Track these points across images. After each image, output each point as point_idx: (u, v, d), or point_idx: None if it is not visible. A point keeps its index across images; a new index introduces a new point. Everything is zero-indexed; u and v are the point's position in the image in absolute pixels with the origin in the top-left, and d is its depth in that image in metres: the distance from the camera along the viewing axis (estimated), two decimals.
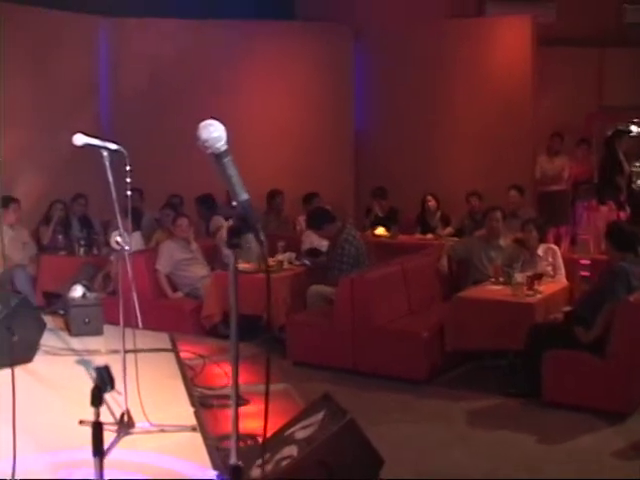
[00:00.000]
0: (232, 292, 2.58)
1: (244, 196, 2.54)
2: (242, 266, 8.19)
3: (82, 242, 9.46)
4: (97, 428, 3.07)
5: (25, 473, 4.30)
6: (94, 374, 3.15)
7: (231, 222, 2.59)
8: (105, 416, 5.06)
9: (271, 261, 7.95)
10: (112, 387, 3.20)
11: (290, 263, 8.34)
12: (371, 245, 8.84)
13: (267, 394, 2.67)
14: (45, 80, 10.41)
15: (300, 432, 4.47)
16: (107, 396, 5.66)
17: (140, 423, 5.07)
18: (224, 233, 8.89)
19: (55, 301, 8.79)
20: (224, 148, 2.53)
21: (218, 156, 2.53)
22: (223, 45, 11.24)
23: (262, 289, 6.88)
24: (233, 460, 2.58)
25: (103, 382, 3.11)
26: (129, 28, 11.15)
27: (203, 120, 2.55)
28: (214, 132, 2.53)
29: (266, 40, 11.36)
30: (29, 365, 6.56)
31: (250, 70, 11.37)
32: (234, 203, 2.54)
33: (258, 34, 11.32)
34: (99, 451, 3.07)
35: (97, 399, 3.07)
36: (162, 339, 7.44)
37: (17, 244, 9.35)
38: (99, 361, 6.62)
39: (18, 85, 10.00)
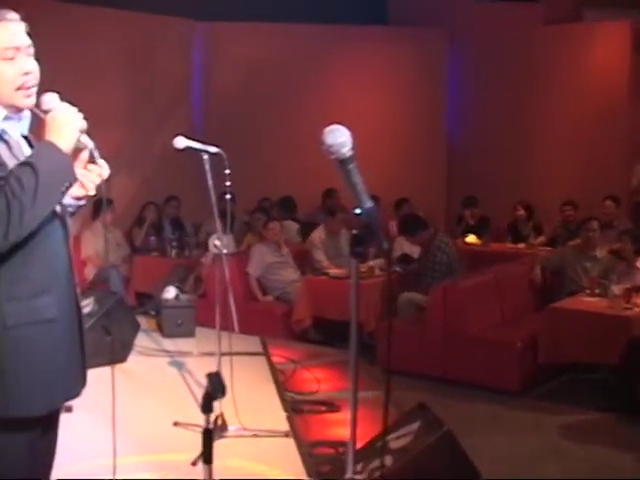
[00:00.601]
0: (353, 302, 2.53)
1: (368, 203, 2.46)
2: (333, 271, 8.19)
3: (174, 244, 9.56)
4: (207, 435, 3.05)
5: (120, 473, 4.33)
6: (207, 378, 3.12)
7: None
8: (199, 418, 5.11)
9: (361, 267, 7.90)
10: (223, 394, 3.17)
11: (381, 269, 8.27)
12: (462, 253, 8.72)
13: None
14: (139, 83, 10.57)
15: (394, 442, 4.41)
16: (199, 398, 5.75)
17: (233, 427, 5.07)
18: (316, 237, 8.90)
19: (147, 301, 8.91)
20: (349, 154, 2.46)
21: (343, 162, 2.46)
22: (316, 49, 11.25)
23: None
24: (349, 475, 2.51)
25: (214, 389, 3.09)
26: (223, 32, 11.24)
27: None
28: (340, 137, 2.45)
29: (360, 44, 11.33)
30: (123, 365, 6.66)
31: (343, 75, 11.37)
32: (358, 211, 2.46)
33: (352, 38, 11.31)
34: (209, 459, 3.06)
35: (208, 406, 3.05)
36: (253, 342, 7.47)
37: (111, 245, 9.50)
38: (191, 363, 6.73)
39: (113, 87, 10.20)
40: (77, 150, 2.67)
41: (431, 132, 11.71)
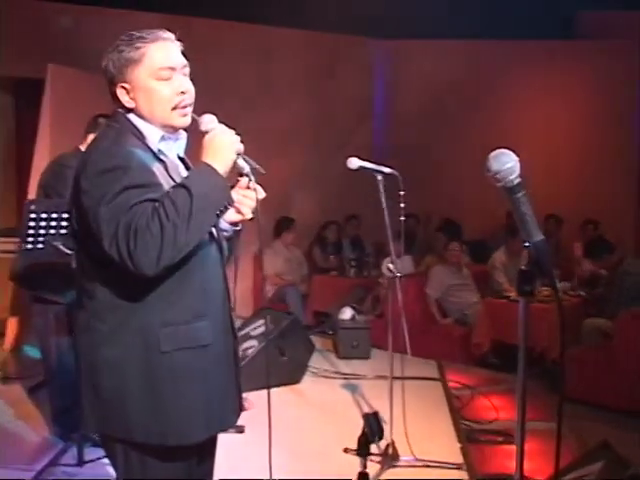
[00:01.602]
0: (521, 342, 2.34)
1: (538, 236, 2.27)
2: (514, 294, 7.90)
3: (353, 263, 9.56)
4: (363, 479, 2.93)
5: None
6: (364, 419, 3.00)
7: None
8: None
9: (544, 290, 7.60)
10: (380, 437, 3.04)
11: (565, 293, 7.93)
12: None
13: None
14: (322, 103, 10.64)
15: None
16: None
17: (405, 456, 4.92)
18: (497, 259, 8.65)
19: (324, 320, 8.92)
20: (517, 181, 2.25)
21: (510, 190, 2.25)
22: (501, 65, 10.97)
23: (536, 320, 6.55)
24: None
25: (371, 431, 2.97)
26: (405, 50, 11.16)
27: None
28: (507, 163, 2.26)
29: (545, 60, 10.92)
30: (297, 386, 6.64)
31: (529, 91, 11.00)
32: (526, 244, 2.28)
33: (536, 54, 10.92)
34: None
35: (364, 448, 2.94)
36: (429, 366, 7.29)
37: (292, 264, 9.60)
38: (365, 386, 6.63)
39: (296, 108, 10.31)
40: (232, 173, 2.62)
41: (620, 149, 11.11)
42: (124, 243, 2.33)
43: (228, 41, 9.49)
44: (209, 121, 2.61)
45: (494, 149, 2.32)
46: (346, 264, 9.69)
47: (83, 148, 5.09)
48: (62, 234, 4.45)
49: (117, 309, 2.51)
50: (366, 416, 4.30)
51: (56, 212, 4.45)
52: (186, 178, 2.49)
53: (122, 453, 2.60)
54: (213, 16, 9.21)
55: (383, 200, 4.87)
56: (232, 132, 2.59)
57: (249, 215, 2.76)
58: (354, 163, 4.94)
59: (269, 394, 2.77)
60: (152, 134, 2.61)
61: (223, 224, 2.78)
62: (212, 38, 9.25)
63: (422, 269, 9.26)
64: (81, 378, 2.62)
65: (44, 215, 4.43)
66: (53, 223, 4.45)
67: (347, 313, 7.82)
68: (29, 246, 4.47)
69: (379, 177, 4.92)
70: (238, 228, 2.85)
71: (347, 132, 10.75)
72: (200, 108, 2.76)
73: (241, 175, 2.68)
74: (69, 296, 4.85)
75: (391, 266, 5.01)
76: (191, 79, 2.68)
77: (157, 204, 2.36)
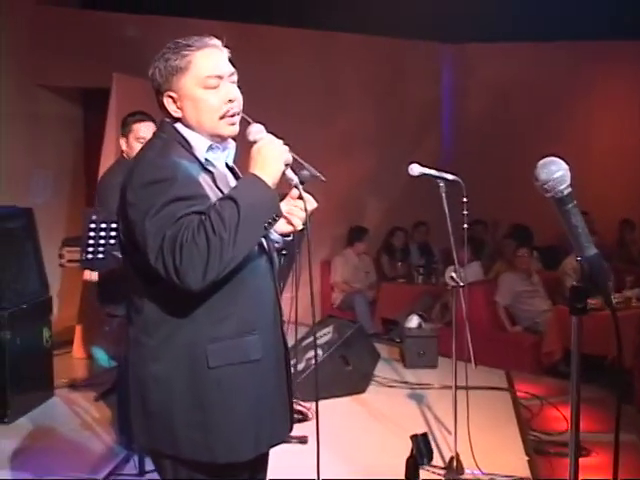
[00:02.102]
0: (574, 364, 2.23)
1: (591, 251, 2.13)
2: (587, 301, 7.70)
3: (421, 270, 9.46)
4: None
5: None
6: (412, 440, 2.90)
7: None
8: (434, 457, 4.89)
9: (617, 297, 7.41)
10: (429, 460, 2.93)
11: (639, 300, 7.70)
12: None
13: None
14: (388, 108, 10.55)
15: None
16: (437, 434, 5.53)
17: (469, 470, 4.80)
18: (568, 265, 8.45)
19: (392, 328, 8.82)
20: (567, 192, 2.10)
21: (560, 201, 2.11)
22: (574, 68, 10.70)
23: (607, 328, 6.34)
24: None
25: (420, 453, 2.86)
26: (472, 54, 11.02)
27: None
28: (556, 172, 2.10)
29: (623, 62, 10.64)
30: (362, 395, 6.55)
31: (598, 93, 10.73)
32: (578, 258, 2.14)
33: (613, 55, 10.64)
34: None
35: (413, 472, 2.83)
36: (497, 376, 7.12)
37: (360, 273, 9.57)
38: (431, 396, 6.51)
39: (362, 114, 10.25)
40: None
41: None
42: (170, 257, 2.29)
43: (294, 48, 9.47)
44: (257, 131, 2.55)
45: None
46: (414, 271, 9.60)
47: (125, 154, 5.11)
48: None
49: (164, 324, 2.47)
50: (414, 437, 4.17)
51: (116, 221, 4.44)
52: (233, 190, 2.43)
53: (171, 469, 2.56)
54: (279, 23, 9.21)
55: (445, 207, 4.77)
56: (280, 142, 2.51)
57: (300, 226, 2.68)
58: (415, 170, 4.86)
59: (317, 405, 2.70)
60: (199, 144, 2.56)
61: (274, 235, 2.72)
62: (278, 45, 9.25)
63: (491, 276, 9.11)
64: (130, 393, 2.60)
65: (104, 225, 4.43)
66: (113, 233, 4.45)
67: (414, 321, 7.71)
68: (89, 255, 4.48)
69: (441, 184, 4.82)
70: (289, 239, 2.78)
71: (415, 138, 10.64)
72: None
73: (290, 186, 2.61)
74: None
75: (454, 275, 4.90)
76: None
77: (204, 217, 2.31)
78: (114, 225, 4.45)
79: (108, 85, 7.59)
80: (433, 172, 4.83)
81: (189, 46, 2.53)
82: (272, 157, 2.45)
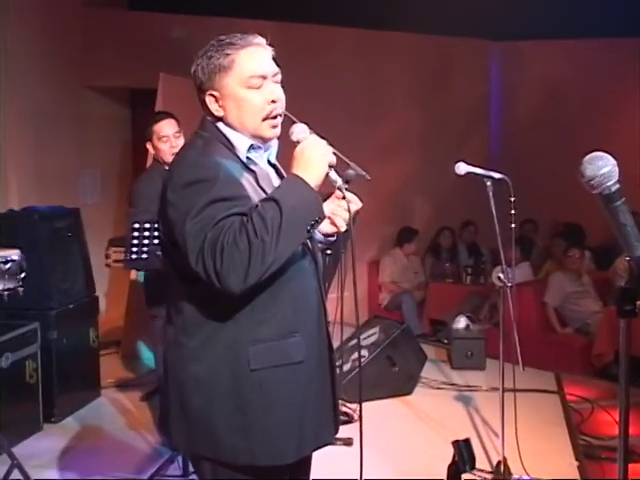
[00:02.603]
0: (623, 368, 2.14)
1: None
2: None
3: (469, 270, 9.36)
4: None
5: None
6: (454, 447, 2.84)
7: None
8: (481, 461, 4.81)
9: None
10: (472, 467, 2.86)
11: None
12: None
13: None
14: (435, 107, 10.45)
15: None
16: (484, 437, 5.45)
17: (517, 474, 4.70)
18: (620, 265, 8.29)
19: (441, 328, 8.74)
20: (615, 188, 2.03)
21: (607, 198, 2.04)
22: (625, 65, 10.50)
23: None
24: None
25: (462, 460, 2.79)
26: (521, 51, 10.86)
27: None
28: (603, 168, 2.03)
29: None
30: (408, 397, 6.49)
31: None
32: (627, 258, 2.06)
33: None
34: None
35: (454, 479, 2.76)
36: (546, 378, 7.00)
37: (409, 273, 9.50)
38: (479, 398, 6.42)
39: (408, 113, 10.18)
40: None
41: None
42: (210, 260, 2.25)
43: (340, 46, 9.41)
44: (300, 131, 2.49)
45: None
46: (462, 271, 9.49)
47: (156, 158, 5.12)
48: None
49: (205, 325, 2.44)
50: (456, 443, 4.09)
51: (159, 222, 4.44)
52: (276, 191, 2.38)
53: (210, 471, 2.52)
54: (325, 22, 9.15)
55: (492, 206, 4.68)
56: (324, 143, 2.45)
57: (343, 227, 2.63)
58: (462, 169, 4.78)
59: (360, 407, 2.65)
60: (241, 143, 2.53)
61: (318, 235, 2.69)
62: (324, 44, 9.21)
63: (541, 276, 8.97)
64: (168, 395, 2.56)
65: (147, 225, 4.43)
66: (156, 233, 4.44)
67: (462, 322, 7.62)
68: (133, 256, 4.48)
69: (488, 183, 4.73)
70: (332, 239, 2.74)
71: (462, 137, 10.52)
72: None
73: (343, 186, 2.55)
74: None
75: (501, 275, 4.81)
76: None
77: (245, 218, 2.27)
78: (157, 225, 4.44)
79: (155, 85, 7.61)
80: (480, 171, 4.75)
81: (233, 44, 2.49)
82: (315, 158, 2.40)
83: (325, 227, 2.63)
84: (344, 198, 2.55)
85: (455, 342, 7.50)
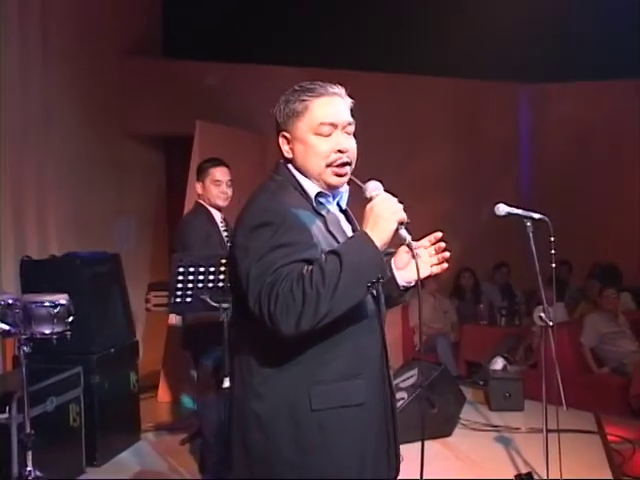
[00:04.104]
0: None
1: None
2: None
3: (503, 312, 9.33)
4: None
5: None
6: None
7: None
8: None
9: None
10: None
11: None
12: None
13: None
14: (466, 150, 10.53)
15: None
16: None
17: None
18: None
19: (476, 370, 8.70)
20: None
21: None
22: None
23: None
24: None
25: None
26: (550, 93, 10.94)
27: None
28: None
29: None
30: (448, 439, 6.47)
31: None
32: None
33: None
34: None
35: None
36: (585, 419, 6.96)
37: (438, 313, 9.47)
38: (519, 440, 6.40)
39: (440, 155, 10.26)
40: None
41: None
42: (266, 304, 2.32)
43: (374, 91, 9.47)
44: (374, 188, 2.52)
45: None
46: (497, 313, 9.46)
47: (200, 200, 5.26)
48: (209, 287, 4.50)
49: (267, 364, 2.48)
50: (519, 477, 4.09)
51: (203, 266, 4.50)
52: (341, 245, 2.44)
53: None
54: (358, 68, 9.23)
55: (532, 246, 4.71)
56: (395, 201, 2.48)
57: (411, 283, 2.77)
58: (502, 209, 4.81)
59: (423, 446, 2.65)
60: (310, 189, 2.59)
61: (400, 281, 2.77)
62: (357, 89, 9.26)
63: (576, 317, 8.94)
64: (231, 431, 2.61)
65: (192, 269, 4.48)
66: (201, 277, 4.49)
67: (498, 363, 7.61)
68: (178, 300, 4.53)
69: (528, 223, 4.76)
70: (411, 285, 2.80)
71: (493, 179, 10.57)
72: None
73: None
74: (216, 352, 4.90)
75: (543, 315, 4.82)
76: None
77: (306, 267, 2.33)
78: (202, 269, 4.50)
79: (189, 132, 7.71)
80: (520, 211, 4.79)
81: (310, 91, 2.57)
82: (385, 216, 2.42)
83: (406, 275, 2.74)
84: (414, 257, 2.57)
85: (492, 383, 7.47)
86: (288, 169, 2.61)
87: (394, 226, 2.43)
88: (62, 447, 5.41)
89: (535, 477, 5.22)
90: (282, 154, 2.62)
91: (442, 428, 6.50)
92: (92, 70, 8.16)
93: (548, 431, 4.84)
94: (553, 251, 4.74)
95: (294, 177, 2.60)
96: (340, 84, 2.67)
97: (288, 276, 2.31)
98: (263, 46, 8.91)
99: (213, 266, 4.48)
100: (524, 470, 5.64)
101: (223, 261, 4.47)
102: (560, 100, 10.80)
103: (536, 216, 4.77)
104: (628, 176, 10.35)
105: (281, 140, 2.61)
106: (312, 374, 2.45)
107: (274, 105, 2.64)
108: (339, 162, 2.56)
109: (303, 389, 2.44)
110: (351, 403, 2.48)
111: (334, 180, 2.57)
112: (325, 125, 2.54)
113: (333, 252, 2.36)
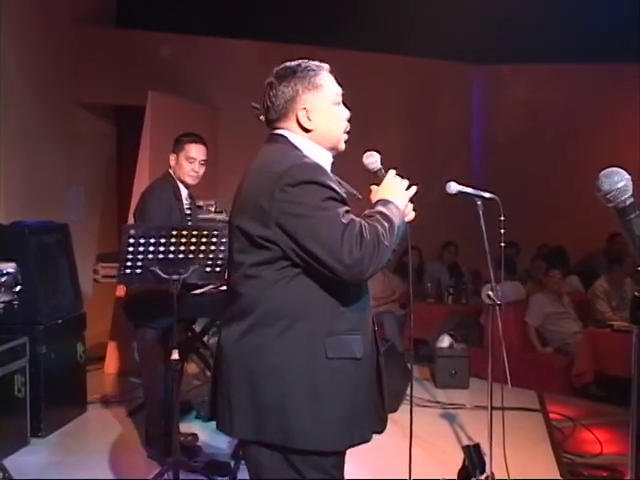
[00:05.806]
0: (635, 371, 2.21)
1: None
2: (617, 323, 7.65)
3: (451, 290, 9.42)
4: None
5: None
6: (464, 451, 2.90)
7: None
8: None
9: None
10: (482, 471, 2.93)
11: None
12: None
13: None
14: (418, 129, 10.58)
15: None
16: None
17: None
18: (598, 287, 8.42)
19: (422, 347, 8.77)
20: (630, 202, 2.18)
21: (622, 211, 2.17)
22: (599, 89, 10.70)
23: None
24: None
25: (472, 464, 2.85)
26: (502, 74, 11.06)
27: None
28: (619, 182, 2.19)
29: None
30: (394, 415, 6.49)
31: (627, 115, 10.69)
32: (639, 268, 2.17)
33: (634, 77, 10.59)
34: None
35: None
36: (529, 397, 7.09)
37: (387, 290, 9.51)
38: (464, 416, 6.48)
39: (392, 135, 10.29)
40: None
41: None
42: (347, 250, 2.47)
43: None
44: (376, 161, 3.08)
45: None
46: (444, 291, 9.54)
47: (171, 171, 5.21)
48: (160, 259, 4.47)
49: (285, 316, 2.59)
50: (467, 448, 4.14)
51: (154, 236, 4.46)
52: (386, 208, 2.76)
53: (276, 459, 2.63)
54: (309, 43, 9.22)
55: (483, 226, 4.74)
56: (405, 182, 2.97)
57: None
58: (453, 188, 4.82)
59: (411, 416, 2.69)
60: (320, 154, 2.79)
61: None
62: None
63: (522, 297, 9.05)
64: (231, 386, 2.67)
65: (142, 240, 4.44)
66: (151, 248, 4.46)
67: (445, 341, 7.68)
68: (127, 271, 4.49)
69: (478, 202, 4.79)
70: None
71: (444, 159, 10.64)
72: None
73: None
74: (164, 322, 4.89)
75: (491, 293, 4.87)
76: None
77: (370, 220, 2.61)
78: (153, 240, 4.46)
79: (142, 103, 7.64)
80: (470, 190, 4.81)
81: (318, 67, 2.85)
82: (400, 194, 2.96)
83: None
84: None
85: (439, 361, 7.56)
86: (287, 139, 2.75)
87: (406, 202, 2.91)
88: (6, 418, 5.35)
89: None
90: (300, 127, 2.75)
91: (389, 404, 6.52)
92: (45, 39, 8.04)
93: (492, 408, 4.90)
94: (502, 231, 4.79)
95: (294, 145, 2.74)
96: (291, 59, 2.78)
97: (366, 226, 2.54)
98: (217, 18, 8.83)
99: (164, 237, 4.44)
100: None
101: (174, 232, 4.45)
102: (512, 82, 10.93)
103: (487, 195, 4.79)
104: (580, 158, 10.47)
105: (301, 114, 2.74)
106: (327, 325, 2.60)
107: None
108: (348, 129, 2.85)
109: (318, 339, 2.60)
110: (352, 356, 2.64)
111: (343, 145, 2.86)
112: (339, 95, 2.87)
113: (381, 213, 2.69)
